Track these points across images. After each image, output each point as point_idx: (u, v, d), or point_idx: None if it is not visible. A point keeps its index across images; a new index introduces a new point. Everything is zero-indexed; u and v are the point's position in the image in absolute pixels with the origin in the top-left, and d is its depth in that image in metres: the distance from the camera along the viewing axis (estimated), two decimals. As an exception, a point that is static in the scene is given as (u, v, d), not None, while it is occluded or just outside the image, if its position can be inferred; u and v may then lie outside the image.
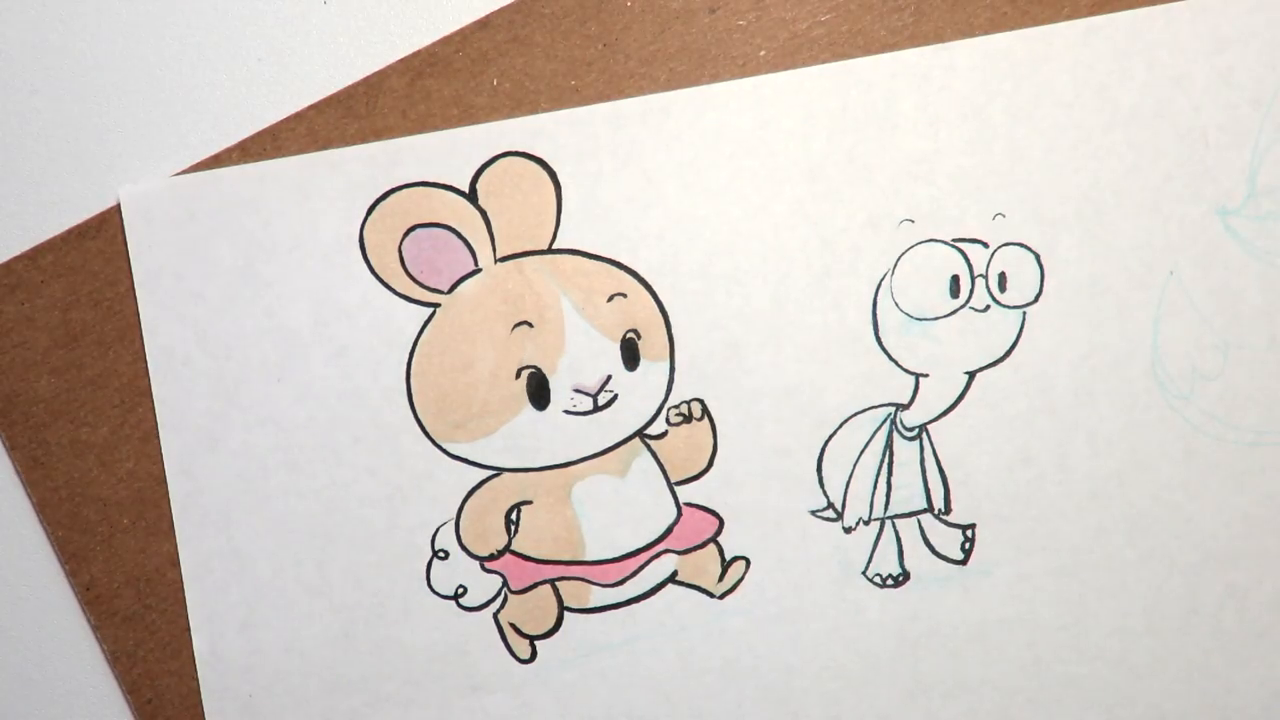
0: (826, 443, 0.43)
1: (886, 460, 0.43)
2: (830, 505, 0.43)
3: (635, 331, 0.43)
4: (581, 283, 0.42)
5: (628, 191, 0.42)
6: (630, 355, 0.43)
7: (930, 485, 0.43)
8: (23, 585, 0.44)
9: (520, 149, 0.42)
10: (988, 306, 0.43)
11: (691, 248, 0.42)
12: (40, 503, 0.43)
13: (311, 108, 0.42)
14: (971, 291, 0.43)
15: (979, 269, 0.43)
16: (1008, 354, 0.43)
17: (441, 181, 0.42)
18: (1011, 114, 0.42)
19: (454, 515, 0.43)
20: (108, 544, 0.43)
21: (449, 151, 0.42)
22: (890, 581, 0.43)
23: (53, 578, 0.44)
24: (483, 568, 0.43)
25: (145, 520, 0.43)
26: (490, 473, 0.43)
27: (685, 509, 0.43)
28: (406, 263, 0.42)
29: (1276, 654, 0.43)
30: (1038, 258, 0.43)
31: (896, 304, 0.43)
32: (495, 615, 0.43)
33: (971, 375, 0.43)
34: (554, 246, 0.42)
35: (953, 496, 0.43)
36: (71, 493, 0.43)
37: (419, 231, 0.42)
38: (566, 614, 0.43)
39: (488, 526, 0.43)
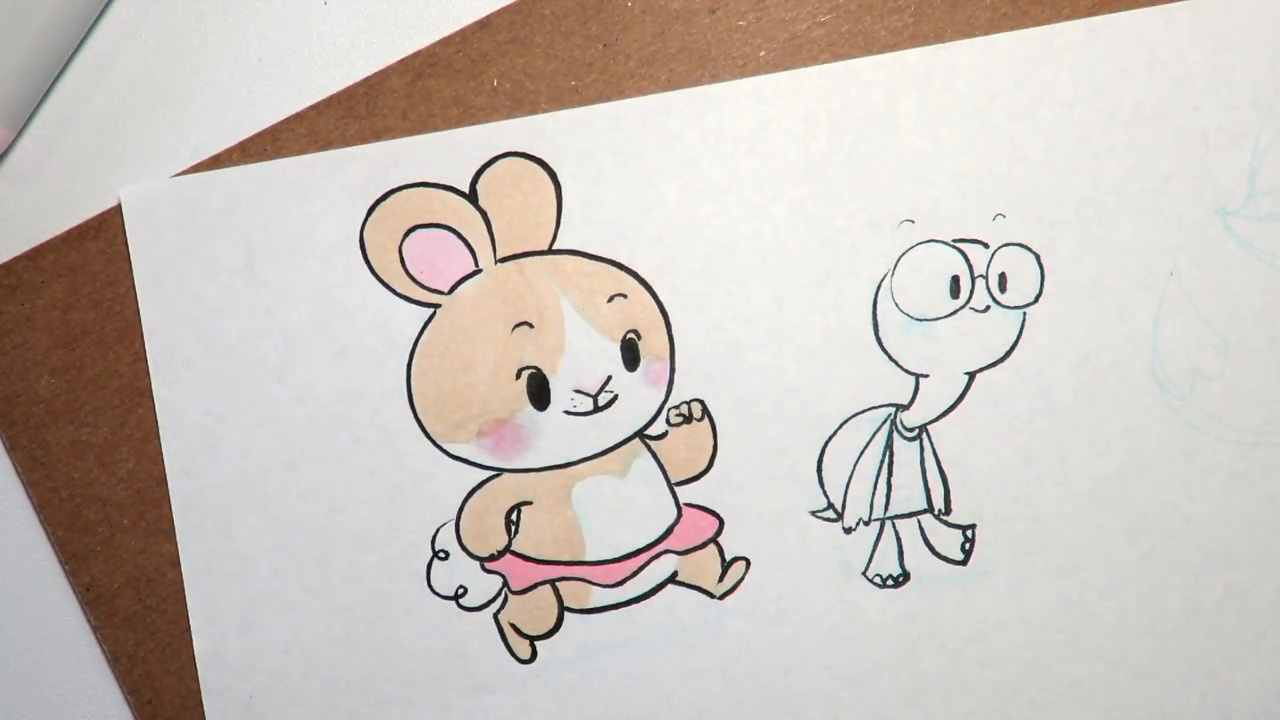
0: (826, 443, 0.43)
1: (887, 461, 0.43)
2: (830, 505, 0.43)
3: (635, 332, 0.43)
4: (582, 283, 0.43)
5: (628, 192, 0.42)
6: (630, 356, 0.43)
7: (930, 486, 0.43)
8: (23, 585, 0.44)
9: (520, 149, 0.42)
10: (988, 307, 0.43)
11: (692, 248, 0.43)
12: (40, 503, 0.43)
13: (311, 108, 0.43)
14: (972, 292, 0.43)
15: (979, 269, 0.43)
16: (1008, 354, 0.43)
17: (441, 182, 0.42)
18: (1012, 114, 0.42)
19: (454, 516, 0.43)
20: (108, 544, 0.43)
21: (449, 152, 0.42)
22: (890, 582, 0.43)
23: (53, 578, 0.44)
24: (483, 568, 0.43)
25: (145, 520, 0.43)
26: (490, 473, 0.43)
27: (685, 509, 0.43)
28: (407, 263, 0.43)
29: (1276, 654, 0.43)
30: (1038, 258, 0.43)
31: (897, 304, 0.43)
32: (495, 615, 0.43)
33: (972, 376, 0.43)
34: (554, 247, 0.43)
35: (953, 497, 0.43)
36: (72, 493, 0.43)
37: (419, 232, 0.42)
38: (567, 614, 0.43)
39: (488, 527, 0.43)
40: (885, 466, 0.43)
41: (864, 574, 0.43)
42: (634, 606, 0.43)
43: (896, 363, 0.43)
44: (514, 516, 0.43)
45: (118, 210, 0.42)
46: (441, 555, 0.43)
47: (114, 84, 0.43)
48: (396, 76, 0.42)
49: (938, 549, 0.43)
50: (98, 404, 0.43)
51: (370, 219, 0.42)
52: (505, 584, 0.43)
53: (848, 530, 0.43)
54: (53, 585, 0.44)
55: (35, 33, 0.40)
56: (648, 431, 0.43)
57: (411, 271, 0.43)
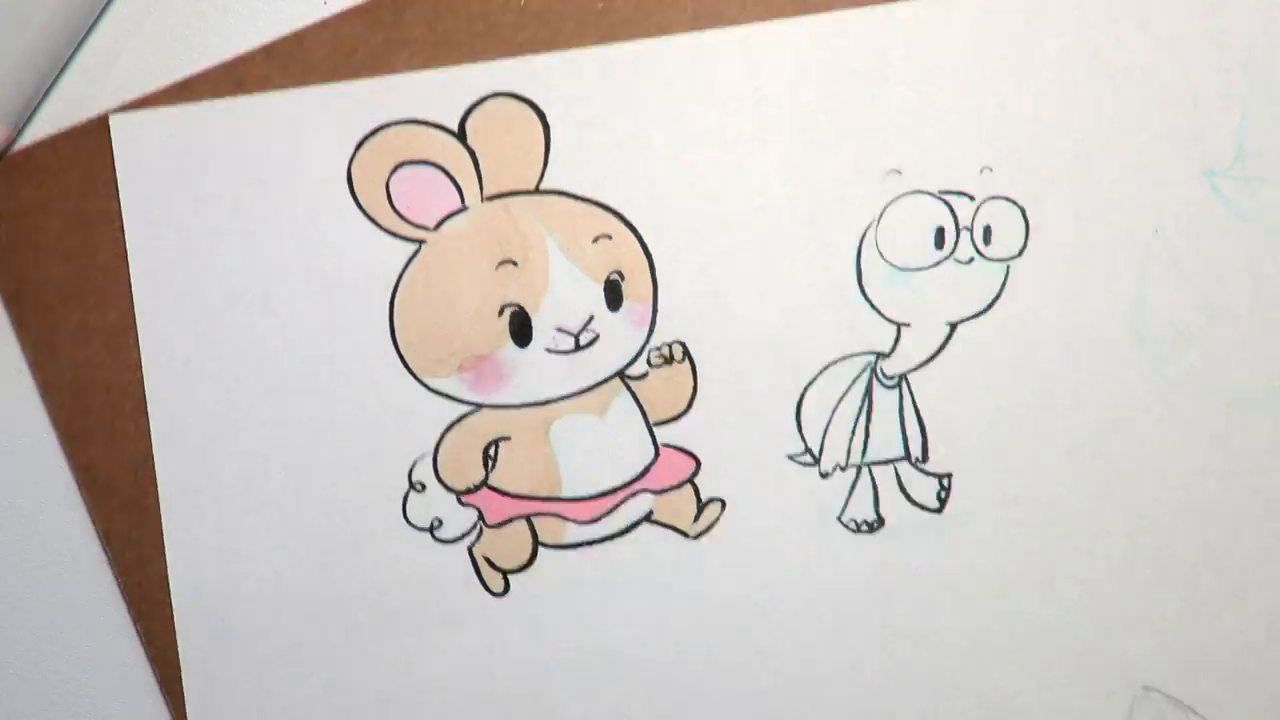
0: (806, 389, 0.43)
1: (865, 408, 0.43)
2: (808, 450, 0.43)
3: (619, 273, 0.43)
4: (567, 223, 0.43)
5: (617, 135, 0.43)
6: (614, 296, 0.43)
7: (908, 433, 0.43)
8: (20, 469, 0.44)
9: (510, 90, 0.43)
10: (972, 259, 0.43)
11: (678, 192, 0.43)
12: (44, 384, 0.43)
13: (339, 17, 0.43)
14: (956, 243, 0.43)
15: (964, 221, 0.43)
16: (990, 307, 0.43)
17: (430, 120, 0.43)
18: (1002, 69, 0.43)
19: (432, 449, 0.43)
20: (109, 428, 0.43)
21: (439, 90, 0.43)
22: (865, 528, 0.43)
23: (52, 457, 0.44)
24: (459, 501, 0.43)
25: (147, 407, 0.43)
26: (470, 408, 0.43)
27: (663, 450, 0.43)
28: (393, 199, 0.43)
29: (1249, 613, 0.43)
30: (1023, 212, 0.43)
31: (881, 254, 0.43)
32: (470, 549, 0.43)
33: (953, 326, 0.43)
34: (541, 187, 0.43)
35: (930, 445, 0.43)
36: (76, 375, 0.43)
37: (406, 169, 0.43)
38: (541, 549, 0.43)
39: (465, 461, 0.43)
40: (864, 413, 0.43)
41: (839, 519, 0.43)
42: (608, 544, 0.43)
43: (879, 311, 0.43)
44: (491, 451, 0.43)
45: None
46: (418, 487, 0.43)
47: (114, 83, 0.43)
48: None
49: (913, 496, 0.43)
50: (108, 290, 0.43)
51: (358, 154, 0.43)
52: (481, 518, 0.43)
53: (824, 475, 0.43)
54: (52, 468, 0.44)
55: (35, 33, 0.41)
56: (628, 372, 0.43)
57: (398, 207, 0.43)
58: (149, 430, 0.43)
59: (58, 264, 0.43)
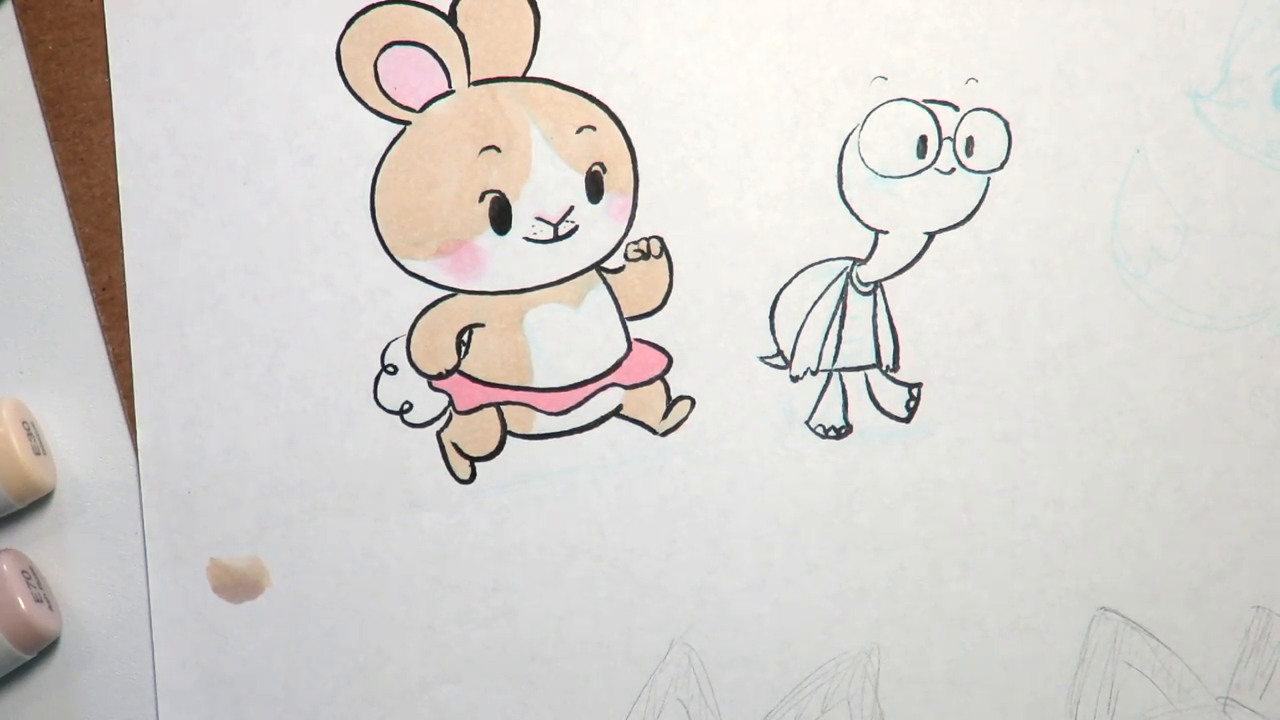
0: (781, 290, 0.43)
1: (839, 313, 0.43)
2: (780, 353, 0.44)
3: (601, 165, 0.43)
4: (552, 112, 0.43)
5: (606, 26, 0.43)
6: (595, 188, 0.43)
7: (880, 341, 0.44)
8: (49, 278, 0.44)
9: (503, -24, 0.43)
10: (953, 169, 0.43)
11: (664, 87, 0.43)
12: (72, 197, 0.43)
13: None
14: (938, 153, 0.43)
15: (947, 131, 0.43)
16: (969, 218, 0.43)
17: (422, 1, 0.43)
18: (993, -19, 0.43)
19: (406, 331, 0.43)
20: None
21: (432, -26, 0.43)
22: (833, 433, 0.44)
23: (74, 273, 0.44)
24: (430, 386, 0.44)
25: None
26: (445, 293, 0.43)
27: (635, 344, 0.44)
28: (380, 79, 0.43)
29: (1210, 537, 0.44)
30: (1006, 125, 0.43)
31: (863, 159, 0.43)
32: (438, 434, 0.44)
33: (931, 236, 0.43)
34: (528, 74, 0.43)
35: (902, 354, 0.44)
36: (105, 191, 0.43)
37: (396, 49, 0.43)
38: (509, 438, 0.44)
39: (438, 345, 0.43)
40: (837, 318, 0.44)
41: (807, 423, 0.44)
42: (576, 436, 0.44)
43: (857, 217, 0.43)
44: (465, 337, 0.44)
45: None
46: (390, 370, 0.43)
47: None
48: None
49: (882, 404, 0.44)
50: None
51: (348, 31, 0.43)
52: (451, 403, 0.44)
53: (795, 379, 0.44)
54: (73, 282, 0.44)
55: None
56: (605, 264, 0.43)
57: (385, 87, 0.43)
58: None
59: (101, 78, 0.43)
